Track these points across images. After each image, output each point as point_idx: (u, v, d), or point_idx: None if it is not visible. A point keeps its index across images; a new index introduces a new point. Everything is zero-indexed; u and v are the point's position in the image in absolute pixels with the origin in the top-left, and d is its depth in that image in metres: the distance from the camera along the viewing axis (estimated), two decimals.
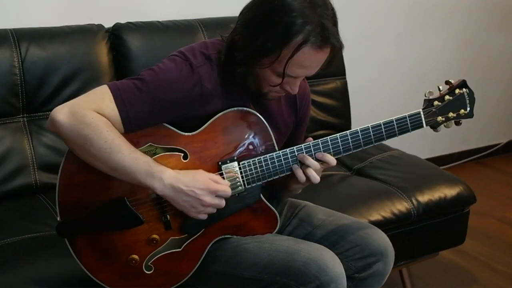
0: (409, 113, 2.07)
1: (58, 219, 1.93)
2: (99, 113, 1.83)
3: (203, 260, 2.05)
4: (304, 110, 2.24)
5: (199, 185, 1.87)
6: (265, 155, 2.01)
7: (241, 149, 2.02)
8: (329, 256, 1.96)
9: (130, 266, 1.98)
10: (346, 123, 3.47)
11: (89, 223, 1.93)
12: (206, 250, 2.04)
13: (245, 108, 2.02)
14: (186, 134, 1.97)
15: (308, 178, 2.01)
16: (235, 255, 2.03)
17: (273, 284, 1.97)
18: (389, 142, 3.26)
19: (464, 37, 4.59)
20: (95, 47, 2.87)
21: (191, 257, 2.03)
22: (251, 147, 2.03)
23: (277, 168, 2.02)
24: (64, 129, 1.82)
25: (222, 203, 1.91)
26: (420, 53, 4.41)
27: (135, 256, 1.97)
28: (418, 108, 2.09)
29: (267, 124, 2.04)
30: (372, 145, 2.06)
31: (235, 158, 2.00)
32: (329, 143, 2.03)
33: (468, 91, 2.12)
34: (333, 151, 2.04)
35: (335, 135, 2.03)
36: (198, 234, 2.01)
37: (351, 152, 2.06)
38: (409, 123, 2.06)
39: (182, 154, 1.96)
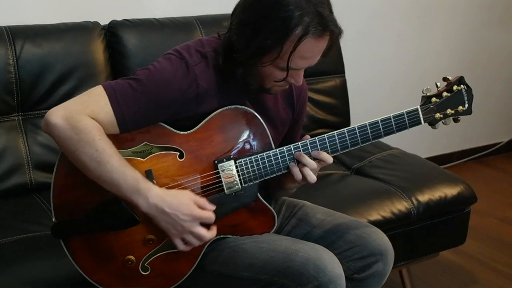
0: (406, 110, 2.07)
1: (53, 219, 1.93)
2: (94, 118, 1.83)
3: (200, 261, 2.04)
4: (301, 107, 2.24)
5: (183, 209, 1.86)
6: (261, 154, 2.01)
7: (237, 148, 2.01)
8: (328, 256, 1.96)
9: (126, 267, 1.97)
10: (345, 122, 3.46)
11: (84, 224, 1.92)
12: (203, 250, 2.04)
13: (241, 106, 2.02)
14: (182, 133, 1.97)
15: (304, 177, 2.01)
16: (233, 255, 2.02)
17: (271, 284, 1.96)
18: (388, 141, 3.25)
19: (464, 34, 4.59)
20: (91, 44, 2.86)
21: (188, 257, 2.02)
22: (247, 145, 2.02)
23: (274, 166, 2.01)
24: (58, 132, 1.82)
25: (205, 234, 1.90)
26: (420, 50, 4.41)
27: (131, 257, 1.97)
28: (417, 106, 2.09)
29: (263, 122, 2.04)
30: (370, 142, 2.06)
31: (232, 156, 2.00)
32: (326, 141, 2.03)
33: (466, 88, 2.12)
34: (330, 149, 2.03)
35: (332, 132, 2.03)
36: None
37: (348, 149, 2.06)
38: (406, 120, 2.06)
39: (178, 153, 1.96)
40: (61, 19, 2.89)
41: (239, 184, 2.00)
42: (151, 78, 1.90)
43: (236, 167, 1.99)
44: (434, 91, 2.11)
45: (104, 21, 2.98)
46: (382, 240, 2.15)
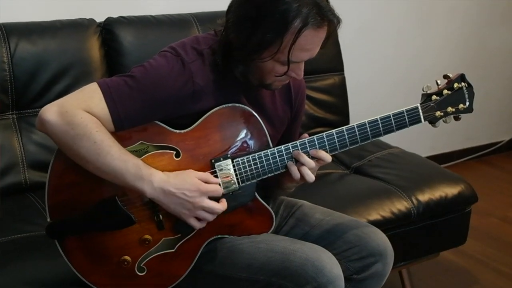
0: (406, 108, 2.07)
1: (48, 219, 1.92)
2: (89, 112, 1.83)
3: (197, 261, 2.04)
4: (299, 104, 2.24)
5: (189, 186, 1.86)
6: (259, 152, 2.00)
7: (234, 147, 2.01)
8: (327, 256, 1.96)
9: (122, 268, 1.97)
10: (344, 120, 3.46)
11: (79, 224, 1.93)
12: (200, 251, 2.04)
13: (238, 105, 2.02)
14: (178, 131, 1.97)
15: (302, 176, 2.01)
16: (230, 255, 2.02)
17: (269, 285, 1.97)
18: (388, 140, 3.26)
19: (464, 32, 4.58)
20: (86, 42, 2.86)
21: (184, 258, 2.02)
22: (245, 144, 2.02)
23: (272, 165, 2.01)
24: (53, 129, 1.82)
25: (216, 206, 1.90)
26: (420, 48, 4.41)
27: (127, 258, 1.96)
28: (417, 104, 2.09)
29: (261, 121, 2.04)
30: (369, 141, 2.06)
31: (229, 155, 1.99)
32: (325, 139, 2.02)
33: (467, 85, 2.11)
34: (329, 148, 2.03)
35: (331, 131, 2.03)
36: (192, 234, 2.00)
37: (347, 148, 2.06)
38: (407, 118, 2.06)
39: (174, 152, 1.96)
40: (56, 16, 2.89)
41: (237, 184, 2.00)
42: (146, 75, 1.90)
43: (234, 166, 1.99)
44: (434, 88, 2.11)
45: (99, 18, 2.97)
46: (381, 240, 2.15)
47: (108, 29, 2.93)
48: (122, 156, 1.83)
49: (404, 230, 2.83)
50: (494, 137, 5.08)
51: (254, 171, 2.00)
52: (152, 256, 1.98)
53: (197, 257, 2.03)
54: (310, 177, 2.01)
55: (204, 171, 1.96)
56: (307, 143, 2.02)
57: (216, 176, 1.97)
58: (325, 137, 2.02)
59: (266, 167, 2.01)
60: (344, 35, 3.43)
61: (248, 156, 1.99)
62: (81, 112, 1.82)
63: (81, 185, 1.91)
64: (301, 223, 2.24)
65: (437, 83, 2.12)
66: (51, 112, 1.82)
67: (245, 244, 2.03)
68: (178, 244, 2.00)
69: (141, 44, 2.94)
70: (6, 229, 2.39)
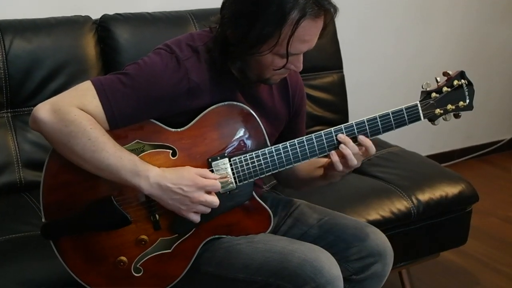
0: (406, 105, 2.07)
1: (43, 219, 1.92)
2: (82, 110, 1.83)
3: (194, 262, 2.04)
4: (299, 102, 2.24)
5: (186, 181, 1.86)
6: (256, 151, 2.00)
7: (231, 145, 2.01)
8: (325, 257, 1.96)
9: (118, 269, 1.97)
10: (343, 119, 3.46)
11: (75, 224, 1.92)
12: (197, 251, 2.04)
13: (235, 103, 2.02)
14: (175, 130, 1.97)
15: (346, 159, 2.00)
16: (227, 256, 2.02)
17: (267, 286, 1.96)
18: (388, 139, 3.26)
19: (465, 29, 4.59)
20: (82, 39, 2.86)
21: (181, 258, 2.02)
22: (242, 142, 2.02)
23: (270, 164, 2.01)
24: (47, 127, 1.82)
25: (214, 200, 1.90)
26: (420, 46, 4.41)
27: (123, 258, 1.96)
28: (417, 101, 2.09)
29: (258, 119, 2.04)
30: (368, 139, 2.05)
31: (226, 154, 1.99)
32: (323, 138, 2.02)
33: (466, 82, 2.11)
34: (327, 146, 2.03)
35: (329, 129, 2.03)
36: (189, 234, 2.00)
37: None
38: (406, 116, 2.06)
39: (171, 151, 1.96)
40: (51, 13, 2.89)
41: (234, 183, 2.00)
42: (140, 72, 1.90)
43: (231, 165, 1.99)
44: (434, 86, 2.11)
45: (95, 15, 2.97)
46: (381, 240, 2.15)
47: (104, 26, 2.93)
48: (117, 153, 1.83)
49: (404, 230, 2.83)
50: (495, 135, 5.08)
51: (252, 170, 2.00)
52: (148, 257, 1.98)
53: (194, 257, 2.04)
54: (353, 161, 2.00)
55: None
56: (305, 141, 2.02)
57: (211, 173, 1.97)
58: (323, 135, 2.02)
59: (263, 166, 2.01)
60: (343, 32, 3.44)
61: (245, 155, 1.99)
62: (75, 110, 1.82)
63: (76, 184, 1.91)
64: (300, 223, 2.24)
65: (436, 80, 2.12)
66: (44, 110, 1.82)
67: (242, 244, 2.03)
68: (175, 244, 2.00)
69: (137, 41, 2.94)
70: (1, 229, 2.39)
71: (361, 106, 3.81)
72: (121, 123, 1.89)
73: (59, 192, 1.92)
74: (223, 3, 1.95)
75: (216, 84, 1.99)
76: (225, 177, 1.98)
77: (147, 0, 3.28)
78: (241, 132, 2.02)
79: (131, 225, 1.93)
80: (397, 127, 2.06)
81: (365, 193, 2.83)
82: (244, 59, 1.95)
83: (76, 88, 1.89)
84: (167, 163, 1.94)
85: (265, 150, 2.01)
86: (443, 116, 2.11)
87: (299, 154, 2.02)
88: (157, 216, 1.96)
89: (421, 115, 2.08)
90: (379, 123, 2.04)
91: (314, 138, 2.02)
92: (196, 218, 1.92)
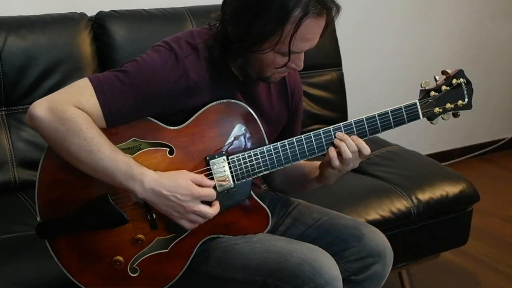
0: (404, 104, 2.07)
1: (38, 219, 1.92)
2: (79, 108, 1.83)
3: (191, 262, 2.04)
4: (297, 101, 2.25)
5: (181, 190, 1.85)
6: (255, 150, 2.01)
7: (229, 144, 2.01)
8: (324, 257, 1.96)
9: (115, 269, 1.97)
10: (342, 117, 3.46)
11: (70, 223, 1.92)
12: (195, 251, 2.04)
13: (233, 100, 2.02)
14: (172, 128, 1.97)
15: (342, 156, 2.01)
16: (225, 256, 2.03)
17: (265, 286, 1.97)
18: (388, 137, 3.27)
19: (467, 26, 4.59)
20: (77, 36, 2.86)
21: (178, 258, 2.03)
22: (240, 141, 2.03)
23: (268, 162, 2.02)
24: (43, 124, 1.82)
25: (208, 211, 1.90)
26: (421, 43, 4.41)
27: (120, 258, 1.97)
28: (416, 100, 2.09)
29: (256, 117, 2.04)
30: (367, 137, 2.06)
31: (224, 152, 2.00)
32: (322, 136, 2.03)
33: (465, 81, 2.12)
34: (326, 145, 2.04)
35: (328, 127, 2.03)
36: (186, 233, 2.00)
37: None
38: (405, 115, 2.07)
39: (168, 149, 1.96)
40: (46, 10, 2.89)
41: (232, 182, 2.00)
42: (139, 70, 1.90)
43: (229, 163, 1.99)
44: (432, 84, 2.12)
45: (91, 12, 2.98)
46: (380, 240, 2.16)
47: (100, 24, 2.94)
48: (112, 154, 1.82)
49: (404, 230, 2.83)
50: (496, 134, 5.09)
51: (250, 169, 2.01)
52: (145, 257, 1.99)
53: (191, 257, 2.04)
54: (348, 154, 2.00)
55: (199, 168, 1.96)
56: (303, 139, 2.02)
57: (211, 174, 1.98)
58: (322, 134, 2.03)
59: (262, 165, 2.01)
60: (342, 29, 3.44)
61: (243, 153, 2.00)
62: (72, 108, 1.82)
63: (71, 183, 1.91)
64: (298, 223, 2.24)
65: (435, 79, 2.13)
66: (41, 107, 1.82)
67: (240, 244, 2.03)
68: (172, 244, 2.00)
69: (133, 39, 2.94)
70: None
71: (360, 105, 3.81)
72: (118, 121, 1.89)
73: (54, 190, 1.92)
74: (224, 0, 1.96)
75: (215, 82, 1.99)
76: (224, 180, 1.98)
77: None
78: (239, 130, 2.02)
79: (128, 224, 1.94)
80: (396, 125, 2.07)
81: (364, 193, 2.83)
82: (245, 57, 1.96)
83: (73, 85, 1.89)
84: (164, 162, 1.94)
85: (263, 149, 2.01)
86: (442, 115, 2.12)
87: (298, 152, 2.03)
88: (154, 215, 1.96)
89: (420, 113, 2.08)
90: (378, 121, 2.05)
91: (312, 137, 2.03)
92: (188, 225, 1.92)
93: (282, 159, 2.02)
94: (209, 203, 1.92)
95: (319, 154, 2.05)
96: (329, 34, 3.36)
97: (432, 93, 2.09)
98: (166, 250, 2.00)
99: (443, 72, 2.13)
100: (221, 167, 1.99)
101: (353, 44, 3.90)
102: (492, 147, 5.05)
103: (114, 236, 1.95)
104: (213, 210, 1.92)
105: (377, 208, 2.74)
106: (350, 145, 1.99)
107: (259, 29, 1.85)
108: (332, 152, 2.01)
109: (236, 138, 2.02)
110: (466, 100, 2.13)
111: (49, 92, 1.91)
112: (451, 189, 2.92)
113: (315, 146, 2.03)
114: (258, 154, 2.01)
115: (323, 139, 2.03)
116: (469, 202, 3.00)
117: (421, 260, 3.10)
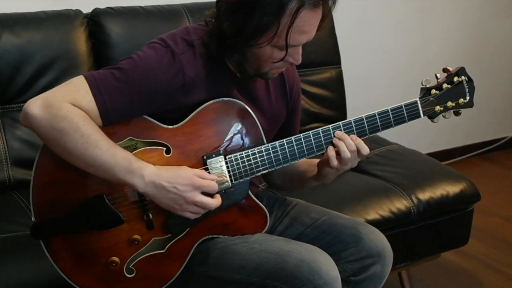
0: (405, 102, 2.07)
1: (33, 219, 1.92)
2: (75, 106, 1.83)
3: (188, 262, 2.04)
4: (296, 97, 2.25)
5: (181, 180, 1.86)
6: (253, 149, 2.00)
7: (227, 143, 2.01)
8: (323, 257, 1.96)
9: (110, 269, 1.97)
10: (341, 116, 3.46)
11: (65, 224, 1.92)
12: (192, 251, 2.04)
13: (231, 99, 2.02)
14: (169, 127, 1.97)
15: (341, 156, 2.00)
16: (223, 256, 2.03)
17: (263, 287, 1.97)
18: (387, 136, 3.27)
19: (468, 23, 4.59)
20: (72, 34, 2.86)
21: (175, 258, 2.02)
22: (238, 140, 2.02)
23: (266, 162, 2.01)
24: (38, 123, 1.81)
25: (209, 202, 1.90)
26: (421, 41, 4.41)
27: (116, 259, 1.96)
28: (416, 98, 2.09)
29: (254, 116, 2.04)
30: (367, 136, 2.06)
31: (221, 152, 1.99)
32: (321, 135, 2.03)
33: (467, 79, 2.12)
34: (325, 144, 2.04)
35: (327, 126, 2.03)
36: (183, 234, 2.00)
37: None
38: (405, 113, 2.07)
39: (165, 149, 1.95)
40: (41, 7, 2.89)
41: (229, 181, 2.00)
42: (135, 67, 1.89)
43: (226, 163, 1.99)
44: (433, 82, 2.12)
45: (86, 9, 2.97)
46: (380, 240, 2.15)
47: (95, 21, 2.93)
48: (111, 150, 1.82)
49: (404, 230, 2.84)
50: (497, 133, 5.09)
51: (248, 168, 2.00)
52: (141, 257, 1.98)
53: (188, 258, 2.04)
54: (347, 154, 1.99)
55: (196, 168, 1.96)
56: (302, 138, 2.02)
57: (209, 173, 1.97)
58: (321, 132, 2.03)
59: (260, 164, 2.01)
60: (341, 26, 3.44)
61: (241, 153, 2.00)
62: (67, 105, 1.81)
63: (67, 183, 1.91)
64: (296, 223, 2.24)
65: (436, 77, 2.13)
66: (35, 105, 1.82)
67: (238, 244, 2.03)
68: (169, 245, 2.00)
69: (129, 36, 2.93)
70: None
71: (359, 103, 3.82)
72: (114, 119, 1.89)
73: (49, 190, 1.92)
74: None
75: (212, 79, 1.99)
76: (222, 177, 1.98)
77: None
78: (236, 129, 2.02)
79: (124, 225, 1.93)
80: (396, 124, 2.07)
81: (363, 192, 2.83)
82: (241, 52, 1.95)
83: (69, 83, 1.89)
84: (161, 161, 1.94)
85: (261, 148, 2.01)
86: (443, 114, 2.12)
87: (296, 151, 2.03)
88: (150, 215, 1.96)
89: (421, 112, 2.08)
90: (378, 120, 2.05)
91: (311, 135, 2.02)
92: (191, 215, 1.92)
93: (281, 159, 2.02)
94: (210, 196, 1.92)
95: (318, 154, 2.05)
96: (328, 32, 3.36)
97: (433, 91, 2.09)
98: (163, 251, 2.00)
99: (444, 70, 2.13)
100: (219, 167, 1.98)
101: (352, 42, 3.90)
102: (493, 146, 5.05)
103: (110, 237, 1.95)
104: (215, 201, 1.91)
105: (376, 207, 2.74)
106: (349, 145, 1.99)
107: (255, 22, 1.85)
108: (331, 151, 2.01)
109: (233, 137, 2.02)
110: (468, 98, 2.12)
111: (44, 90, 1.91)
112: (452, 189, 2.92)
113: (314, 145, 2.03)
114: (256, 153, 2.00)
115: (322, 138, 2.03)
116: (469, 202, 3.00)
117: (421, 260, 3.10)
